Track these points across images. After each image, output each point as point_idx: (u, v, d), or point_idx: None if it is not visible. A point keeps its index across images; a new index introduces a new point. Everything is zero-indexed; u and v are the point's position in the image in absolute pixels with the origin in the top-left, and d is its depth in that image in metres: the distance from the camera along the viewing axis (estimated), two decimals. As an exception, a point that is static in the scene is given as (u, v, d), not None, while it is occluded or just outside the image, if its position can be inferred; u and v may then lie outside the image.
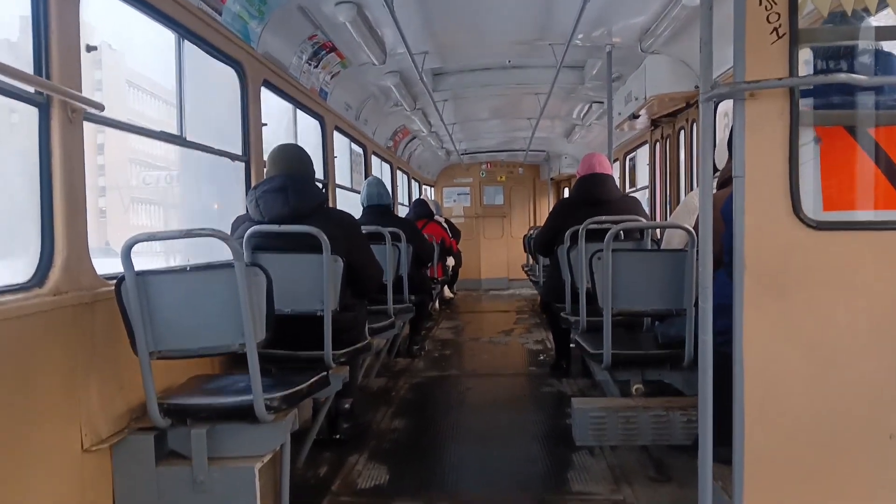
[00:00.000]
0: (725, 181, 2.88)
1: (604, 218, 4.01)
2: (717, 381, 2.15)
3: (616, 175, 9.55)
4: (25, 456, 2.19)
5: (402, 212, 9.95)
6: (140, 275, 2.44)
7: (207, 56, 3.88)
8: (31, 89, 2.36)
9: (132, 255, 2.43)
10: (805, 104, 2.13)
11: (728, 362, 2.12)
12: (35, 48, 2.42)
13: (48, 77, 2.42)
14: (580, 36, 5.70)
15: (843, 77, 2.02)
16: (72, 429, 2.42)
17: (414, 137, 10.71)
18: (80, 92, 2.54)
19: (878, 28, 2.11)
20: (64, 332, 2.39)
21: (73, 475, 2.42)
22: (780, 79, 2.00)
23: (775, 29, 2.03)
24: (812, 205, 2.10)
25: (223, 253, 2.54)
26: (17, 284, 2.31)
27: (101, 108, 2.63)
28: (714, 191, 3.07)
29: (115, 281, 2.51)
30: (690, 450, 3.17)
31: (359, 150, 8.15)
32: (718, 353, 2.19)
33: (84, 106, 2.55)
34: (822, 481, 2.08)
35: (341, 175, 7.05)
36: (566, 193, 14.71)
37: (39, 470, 2.26)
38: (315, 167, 3.76)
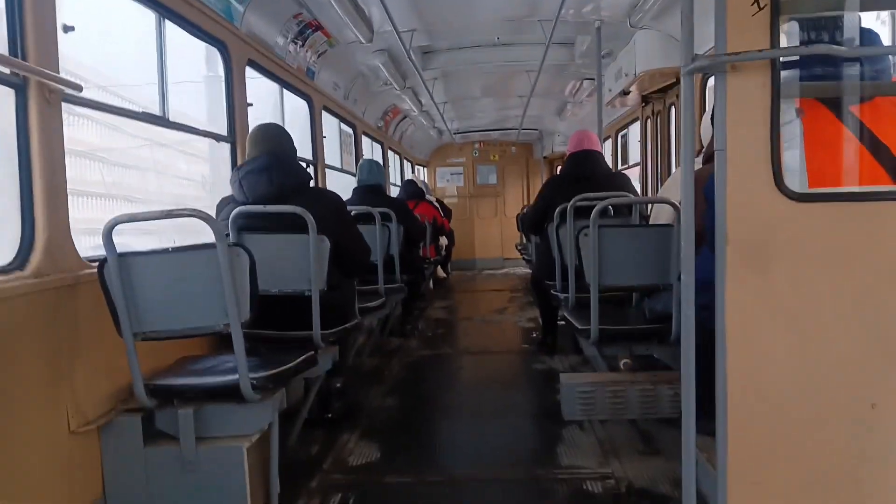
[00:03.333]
0: (710, 156, 2.87)
1: (591, 195, 4.00)
2: (700, 356, 2.16)
3: (608, 152, 9.55)
4: (11, 438, 2.19)
5: (395, 193, 9.92)
6: (122, 256, 2.43)
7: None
8: (6, 70, 2.34)
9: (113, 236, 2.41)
10: (789, 77, 2.12)
11: (712, 336, 2.13)
12: (10, 29, 2.39)
13: (24, 58, 2.39)
14: (570, 11, 5.65)
15: (823, 48, 2.02)
16: (58, 411, 2.43)
17: (405, 117, 10.65)
18: (58, 73, 2.51)
19: (862, -3, 2.09)
20: (47, 315, 2.39)
21: (60, 457, 2.43)
22: (760, 50, 1.98)
23: (756, 0, 2.01)
24: (796, 177, 2.10)
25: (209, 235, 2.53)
26: (-2, 267, 2.30)
27: (79, 88, 2.60)
28: (700, 166, 3.08)
29: (97, 263, 2.49)
30: (678, 423, 3.19)
31: (349, 130, 8.10)
32: (702, 327, 2.20)
33: (62, 87, 2.52)
34: (807, 452, 2.09)
35: (331, 156, 7.01)
36: (559, 172, 14.67)
37: (26, 452, 2.26)
38: (304, 148, 3.74)
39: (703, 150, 3.21)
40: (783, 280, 2.06)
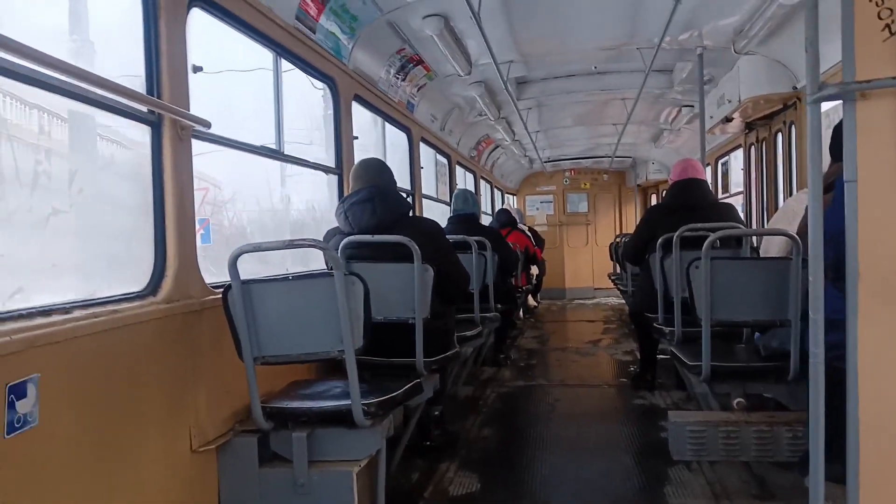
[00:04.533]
0: (828, 186, 2.74)
1: (700, 225, 3.88)
2: (826, 396, 2.05)
3: (708, 180, 9.26)
4: (139, 456, 2.32)
5: (486, 221, 9.97)
6: (245, 283, 2.56)
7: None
8: (144, 108, 2.52)
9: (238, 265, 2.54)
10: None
11: (838, 376, 2.02)
12: (147, 69, 2.58)
13: (159, 97, 2.57)
14: (668, 39, 5.57)
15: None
16: (182, 430, 2.56)
17: (497, 146, 10.73)
18: (188, 110, 2.69)
19: None
20: (174, 339, 2.53)
21: (182, 474, 2.55)
22: (893, 77, 1.89)
23: (887, 25, 1.92)
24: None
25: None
26: (134, 293, 2.45)
27: (207, 125, 2.77)
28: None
29: (221, 290, 2.63)
30: (794, 467, 3.02)
31: (443, 160, 8.24)
32: (828, 366, 2.09)
33: (192, 123, 2.70)
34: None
35: (427, 185, 7.15)
36: (654, 200, 14.34)
37: (152, 469, 2.39)
38: (403, 178, 3.84)
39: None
40: (921, 318, 1.93)
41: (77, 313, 2.09)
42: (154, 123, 2.58)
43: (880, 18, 1.93)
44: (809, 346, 2.07)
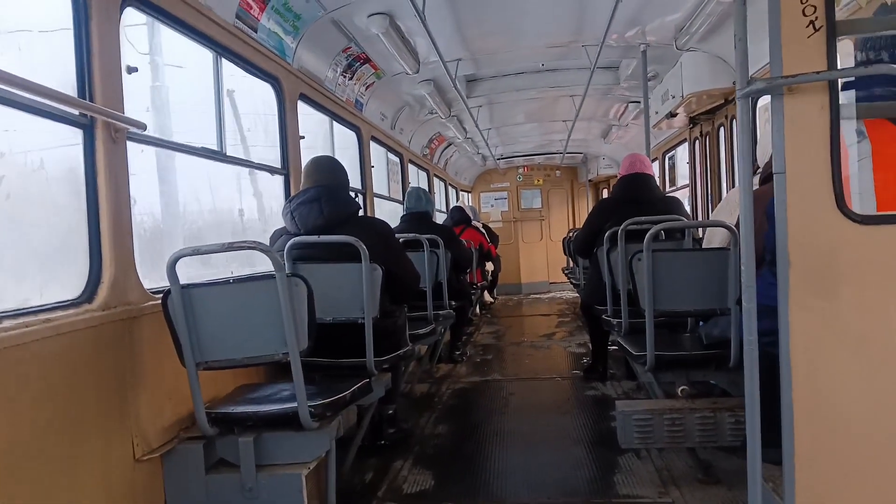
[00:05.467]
0: (768, 177, 2.83)
1: (643, 218, 3.96)
2: (763, 382, 2.11)
3: (655, 174, 9.44)
4: (79, 466, 2.26)
5: (440, 219, 9.99)
6: (185, 288, 2.51)
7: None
8: (75, 111, 2.45)
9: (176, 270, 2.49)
10: (847, 97, 2.09)
11: (774, 362, 2.08)
12: (78, 71, 2.51)
13: (91, 99, 2.50)
14: (614, 36, 5.66)
15: (884, 68, 1.98)
16: (123, 438, 2.50)
17: (450, 144, 10.75)
18: (123, 112, 2.62)
19: (921, 15, 2.05)
20: (113, 346, 2.47)
21: (125, 484, 2.49)
22: (818, 72, 1.95)
23: (811, 22, 1.99)
24: (860, 199, 2.05)
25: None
26: (68, 301, 2.38)
27: (143, 127, 2.71)
28: (756, 187, 3.03)
29: (160, 295, 2.58)
30: (738, 451, 3.11)
31: (395, 158, 8.22)
32: (765, 353, 2.15)
33: (127, 126, 2.63)
34: (877, 482, 2.02)
35: (379, 184, 7.12)
36: (605, 195, 14.56)
37: (93, 479, 2.33)
38: (353, 177, 3.81)
39: (761, 170, 3.16)
40: (849, 304, 2.00)
41: (6, 323, 2.03)
42: (86, 126, 2.51)
43: (805, 15, 1.99)
44: (744, 334, 2.12)
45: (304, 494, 2.57)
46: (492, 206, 15.17)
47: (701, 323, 3.68)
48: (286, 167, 4.36)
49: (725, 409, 3.06)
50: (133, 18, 3.00)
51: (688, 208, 7.65)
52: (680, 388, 3.27)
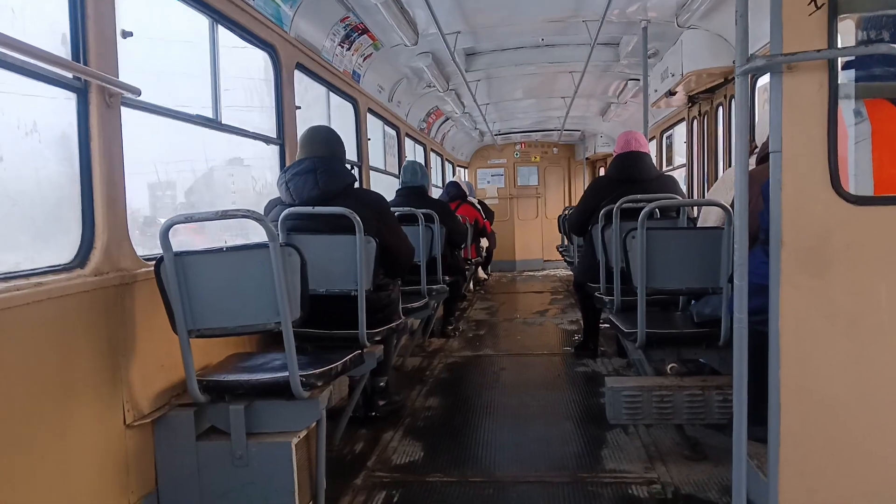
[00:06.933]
0: (765, 157, 2.82)
1: (638, 196, 3.96)
2: (753, 360, 2.13)
3: (652, 153, 9.41)
4: (70, 431, 2.27)
5: (436, 194, 9.96)
6: (178, 255, 2.50)
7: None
8: (69, 75, 2.42)
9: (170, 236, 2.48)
10: (847, 77, 2.08)
11: (764, 341, 2.09)
12: (72, 34, 2.47)
13: (86, 63, 2.47)
14: (615, 12, 5.60)
15: (884, 48, 1.96)
16: (115, 404, 2.50)
17: (447, 119, 10.68)
18: (117, 77, 2.59)
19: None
20: (105, 312, 2.46)
21: (116, 449, 2.50)
22: (818, 50, 1.94)
23: (813, 0, 1.97)
24: (855, 180, 2.05)
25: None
26: (60, 265, 2.37)
27: (137, 92, 2.67)
28: (753, 166, 3.02)
29: (154, 262, 2.57)
30: (726, 429, 3.14)
31: (392, 132, 8.16)
32: (755, 331, 2.16)
33: (121, 91, 2.60)
34: (862, 461, 2.05)
35: (375, 157, 7.07)
36: (602, 173, 14.53)
37: (84, 444, 2.34)
38: (349, 150, 3.78)
39: (758, 150, 3.15)
40: (840, 284, 2.01)
41: (-2, 286, 2.02)
42: (80, 90, 2.48)
43: (807, -8, 1.97)
44: (734, 312, 2.13)
45: (294, 463, 2.59)
46: (488, 182, 15.11)
47: (693, 302, 3.70)
48: (281, 137, 4.32)
49: (714, 387, 3.09)
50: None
51: (684, 188, 7.65)
52: (669, 366, 3.29)
